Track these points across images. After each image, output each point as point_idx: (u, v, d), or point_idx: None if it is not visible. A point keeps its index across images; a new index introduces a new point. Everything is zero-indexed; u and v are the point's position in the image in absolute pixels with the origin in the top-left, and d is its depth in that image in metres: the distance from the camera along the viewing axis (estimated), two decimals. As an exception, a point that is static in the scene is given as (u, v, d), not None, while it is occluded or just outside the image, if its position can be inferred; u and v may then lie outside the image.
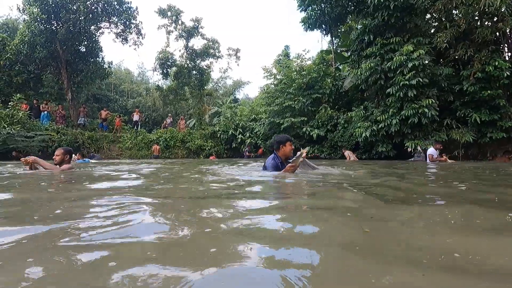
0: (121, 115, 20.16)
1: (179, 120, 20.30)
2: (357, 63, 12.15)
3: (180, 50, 21.41)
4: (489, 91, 9.24)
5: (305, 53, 21.25)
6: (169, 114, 22.59)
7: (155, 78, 49.92)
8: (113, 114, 19.67)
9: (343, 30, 16.85)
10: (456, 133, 10.33)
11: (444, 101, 10.87)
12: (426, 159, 10.56)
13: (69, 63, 16.53)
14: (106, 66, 18.25)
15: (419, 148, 10.29)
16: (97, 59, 17.73)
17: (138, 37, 17.66)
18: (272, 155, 3.88)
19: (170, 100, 23.13)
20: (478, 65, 9.66)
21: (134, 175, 4.04)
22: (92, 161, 12.52)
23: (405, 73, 9.97)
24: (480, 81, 9.80)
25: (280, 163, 3.76)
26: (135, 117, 18.31)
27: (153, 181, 3.31)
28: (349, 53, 17.45)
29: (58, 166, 4.41)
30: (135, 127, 18.18)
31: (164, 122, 20.78)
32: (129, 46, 17.69)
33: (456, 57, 10.29)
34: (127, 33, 17.13)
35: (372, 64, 10.67)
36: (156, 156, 16.28)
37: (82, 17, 15.34)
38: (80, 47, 17.43)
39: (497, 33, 9.76)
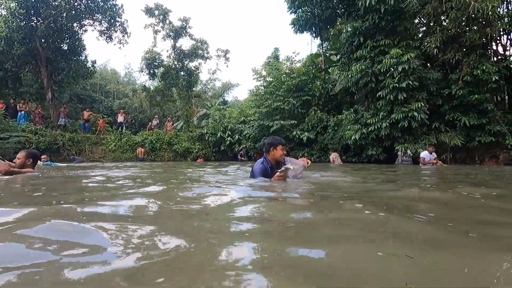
0: (104, 116, 19.46)
1: (166, 121, 19.77)
2: (347, 66, 12.05)
3: (167, 50, 20.91)
4: (477, 96, 9.26)
5: (295, 55, 21.02)
6: (156, 116, 22.02)
7: (143, 79, 48.89)
8: (96, 115, 18.96)
9: (332, 33, 16.81)
10: (445, 136, 10.32)
11: (433, 105, 10.88)
12: (413, 163, 10.54)
13: (49, 61, 15.78)
14: (89, 65, 17.55)
15: (408, 151, 10.22)
16: (80, 57, 17.04)
17: (123, 36, 17.09)
18: (261, 158, 3.58)
19: (157, 102, 22.54)
20: (466, 69, 9.69)
21: (93, 184, 3.55)
22: (73, 164, 11.92)
23: (395, 76, 9.91)
24: (468, 85, 9.84)
25: (269, 168, 3.47)
26: (120, 118, 17.68)
27: (106, 193, 2.63)
28: (338, 57, 17.48)
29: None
30: (120, 129, 17.54)
31: (150, 123, 20.20)
32: (114, 44, 17.20)
33: (444, 61, 10.29)
34: (112, 31, 16.52)
35: (362, 66, 10.57)
36: (141, 159, 15.73)
37: (64, 14, 14.68)
38: (62, 45, 16.70)
39: (484, 38, 9.82)
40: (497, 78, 9.13)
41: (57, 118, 15.77)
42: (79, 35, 16.55)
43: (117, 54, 71.47)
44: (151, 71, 21.00)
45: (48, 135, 14.47)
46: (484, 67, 9.20)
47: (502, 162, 10.06)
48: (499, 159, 10.34)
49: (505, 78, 10.03)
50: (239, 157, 15.64)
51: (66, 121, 15.91)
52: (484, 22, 9.54)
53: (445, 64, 11.01)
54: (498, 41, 10.19)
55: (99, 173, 5.10)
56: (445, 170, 6.60)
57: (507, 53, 10.85)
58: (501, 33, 9.78)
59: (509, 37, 10.20)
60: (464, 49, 9.91)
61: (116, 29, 16.43)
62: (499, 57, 10.08)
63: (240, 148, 16.06)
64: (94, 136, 16.93)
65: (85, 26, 16.42)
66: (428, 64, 11.45)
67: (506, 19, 9.46)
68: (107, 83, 39.74)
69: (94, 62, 17.74)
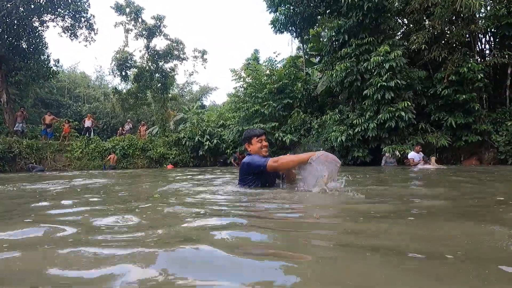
0: (70, 120, 17.81)
1: (140, 126, 18.47)
2: (331, 65, 11.59)
3: (140, 51, 19.69)
4: (464, 96, 9.03)
5: (276, 56, 20.58)
6: (128, 120, 20.60)
7: (115, 82, 46.62)
8: (60, 120, 17.30)
9: (310, 36, 16.45)
10: (432, 137, 10.05)
11: (418, 105, 10.62)
12: (397, 164, 10.15)
13: (4, 60, 14.13)
14: (52, 65, 15.99)
15: (396, 153, 9.82)
16: (41, 56, 15.47)
17: (89, 33, 15.73)
18: (246, 157, 2.79)
19: (130, 105, 21.12)
20: (451, 67, 9.49)
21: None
22: (32, 173, 10.53)
23: (382, 74, 9.51)
24: (453, 84, 9.63)
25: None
26: (87, 122, 16.20)
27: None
28: (318, 59, 17.15)
29: None
30: (87, 134, 16.06)
31: (121, 128, 18.79)
32: (79, 42, 15.68)
33: (428, 60, 10.07)
34: (77, 28, 15.14)
35: (347, 64, 10.12)
36: (113, 167, 14.33)
37: (21, 7, 13.19)
38: (20, 42, 15.09)
39: (468, 36, 9.71)
40: (482, 76, 8.97)
41: (14, 123, 14.10)
42: (40, 31, 15.03)
43: (87, 57, 68.03)
44: (123, 73, 19.66)
45: (1, 142, 12.82)
46: (470, 65, 9.01)
47: (486, 162, 9.94)
48: (482, 158, 10.23)
49: (488, 77, 9.97)
50: (232, 161, 14.59)
51: (24, 126, 14.26)
52: (468, 21, 9.41)
53: (429, 64, 10.82)
54: (481, 40, 10.11)
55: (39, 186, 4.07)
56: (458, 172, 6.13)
57: (487, 51, 10.87)
58: (484, 31, 9.66)
59: (491, 35, 10.15)
60: (449, 48, 9.73)
61: (81, 26, 15.06)
62: (483, 56, 9.98)
63: (234, 152, 15.00)
64: (57, 142, 15.35)
65: (47, 22, 14.93)
66: (412, 65, 11.25)
67: (490, 17, 9.36)
68: (76, 86, 37.45)
69: (57, 61, 16.20)
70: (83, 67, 70.01)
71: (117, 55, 18.60)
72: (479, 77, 8.95)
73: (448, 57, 9.62)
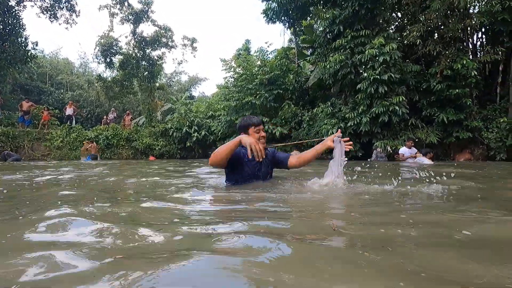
0: (49, 107, 16.94)
1: (125, 115, 17.79)
2: (324, 56, 11.30)
3: (126, 36, 18.82)
4: (457, 90, 8.94)
5: (268, 46, 20.12)
6: (113, 109, 19.80)
7: (100, 70, 44.96)
8: (38, 106, 16.41)
9: (302, 27, 16.08)
10: (422, 133, 9.99)
11: (410, 100, 10.52)
12: (387, 159, 10.08)
13: (-23, 41, 13.18)
14: (30, 48, 15.04)
15: (388, 148, 9.71)
16: (18, 39, 14.50)
17: (70, 15, 14.83)
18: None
19: (115, 94, 20.26)
20: (445, 62, 9.37)
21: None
22: (7, 162, 9.91)
23: (375, 67, 9.30)
24: (446, 79, 9.54)
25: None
26: (69, 110, 15.43)
27: None
28: (310, 51, 16.83)
29: None
30: (69, 123, 15.31)
31: (105, 117, 18.05)
32: (59, 24, 14.77)
33: (422, 55, 9.92)
34: (56, 9, 14.22)
35: (342, 56, 9.85)
36: (95, 156, 13.59)
37: (-5, -16, 12.23)
38: (-6, 23, 14.07)
39: (462, 32, 9.60)
40: (476, 73, 8.89)
41: (-12, 109, 13.25)
42: (16, 12, 14.05)
43: (70, 43, 65.31)
44: (108, 59, 18.81)
45: (-27, 128, 12.02)
46: (464, 62, 8.91)
47: (476, 159, 9.98)
48: (472, 155, 10.26)
49: (480, 74, 9.92)
50: None
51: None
52: (463, 16, 9.27)
53: (421, 58, 10.70)
54: (473, 36, 10.02)
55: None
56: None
57: (479, 48, 10.82)
58: (478, 27, 9.55)
59: (484, 31, 10.08)
60: (443, 43, 9.59)
61: (61, 6, 14.15)
62: (475, 52, 9.91)
63: None
64: (36, 130, 14.56)
65: (24, 1, 13.95)
66: (407, 60, 11.11)
67: (484, 12, 9.23)
68: (59, 73, 35.90)
69: (35, 44, 15.25)
70: (66, 53, 67.17)
71: (102, 40, 17.73)
72: (473, 74, 8.86)
73: (442, 52, 9.50)
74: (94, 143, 14.02)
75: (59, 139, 14.48)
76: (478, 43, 10.74)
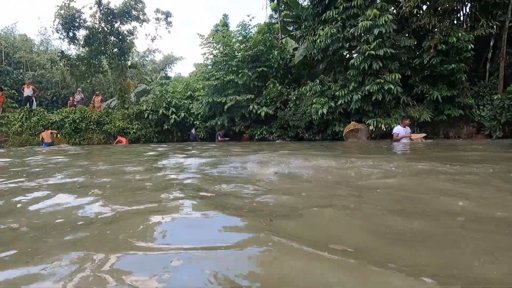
0: (3, 88, 15.03)
1: (94, 96, 16.22)
2: (313, 30, 10.50)
3: (90, 8, 16.82)
4: (453, 65, 8.54)
5: (250, 20, 18.88)
6: (79, 89, 18.05)
7: (65, 47, 41.09)
8: (-10, 87, 14.49)
9: (286, 0, 14.99)
10: (414, 111, 9.65)
11: (402, 76, 10.08)
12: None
13: None
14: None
15: (382, 126, 9.28)
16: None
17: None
18: None
19: (82, 72, 18.32)
20: (439, 36, 8.91)
21: None
22: None
23: (370, 41, 8.66)
24: (440, 54, 9.11)
25: None
26: (27, 91, 13.68)
27: None
28: (292, 28, 15.87)
29: None
30: (28, 105, 13.64)
31: (71, 98, 16.39)
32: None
33: (417, 27, 9.38)
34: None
35: (333, 30, 9.09)
36: (50, 143, 11.69)
37: None
38: None
39: (456, 4, 9.12)
40: (472, 46, 8.50)
41: None
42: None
43: (28, 17, 59.04)
44: (70, 33, 16.82)
45: None
46: (460, 35, 8.48)
47: (466, 137, 9.85)
48: (461, 132, 10.13)
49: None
50: (218, 138, 13.00)
51: None
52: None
53: (413, 32, 10.19)
54: (467, 8, 9.58)
55: None
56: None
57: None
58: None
59: (476, 4, 9.64)
60: (438, 15, 9.08)
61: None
62: (469, 26, 9.51)
63: (219, 129, 13.29)
64: (-11, 114, 12.86)
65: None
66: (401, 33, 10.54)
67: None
68: (16, 51, 32.42)
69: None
70: (24, 29, 60.88)
71: (61, 11, 15.71)
72: (469, 47, 8.47)
73: (437, 25, 9.00)
74: (47, 131, 12.05)
75: (17, 123, 12.89)
76: (467, 16, 10.33)
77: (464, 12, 9.43)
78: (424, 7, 9.46)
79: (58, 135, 12.76)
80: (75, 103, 15.70)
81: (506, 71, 9.58)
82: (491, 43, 9.83)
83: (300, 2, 14.71)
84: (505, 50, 9.45)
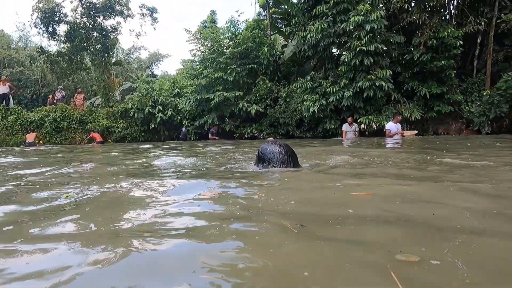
0: (-23, 85, 14.18)
1: (76, 94, 15.56)
2: (303, 26, 10.32)
3: (71, 1, 16.10)
4: (443, 62, 8.55)
5: (239, 15, 18.50)
6: (60, 87, 17.29)
7: (45, 43, 39.51)
8: (-37, 84, 13.63)
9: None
10: (405, 109, 9.63)
11: (392, 73, 10.06)
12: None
13: None
14: None
15: (372, 124, 9.22)
16: None
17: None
18: None
19: (63, 70, 17.52)
20: (429, 32, 8.91)
21: None
22: None
23: (361, 37, 8.56)
24: (429, 51, 9.12)
25: None
26: (2, 88, 12.94)
27: None
28: (281, 25, 15.67)
29: None
30: (4, 103, 12.91)
31: (51, 96, 15.68)
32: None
33: (407, 23, 9.36)
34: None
35: (323, 25, 8.94)
36: (30, 144, 11.31)
37: None
38: None
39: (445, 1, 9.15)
40: (461, 42, 8.54)
41: None
42: None
43: (5, 13, 56.49)
44: (50, 28, 16.05)
45: None
46: (449, 31, 8.49)
47: (454, 132, 9.93)
48: (450, 129, 10.20)
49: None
50: (210, 136, 12.56)
51: None
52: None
53: (402, 29, 10.18)
54: (455, 4, 9.63)
55: None
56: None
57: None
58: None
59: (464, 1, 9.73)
60: (427, 12, 9.08)
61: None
62: (457, 22, 9.57)
63: (212, 126, 12.81)
64: (-39, 113, 12.09)
65: None
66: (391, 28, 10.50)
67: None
68: (-8, 47, 30.96)
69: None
70: (1, 24, 58.36)
71: (40, 5, 14.96)
72: (458, 43, 8.50)
73: (427, 21, 9.00)
74: (32, 133, 11.82)
75: (-7, 123, 12.18)
76: (456, 13, 10.41)
77: (452, 8, 9.46)
78: (413, 3, 9.44)
79: (41, 141, 12.34)
80: (55, 101, 15.01)
81: (492, 68, 9.70)
82: (478, 40, 9.93)
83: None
84: (492, 47, 9.56)
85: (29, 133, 11.97)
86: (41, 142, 12.44)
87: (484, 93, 8.45)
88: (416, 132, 8.34)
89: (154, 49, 43.36)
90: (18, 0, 52.75)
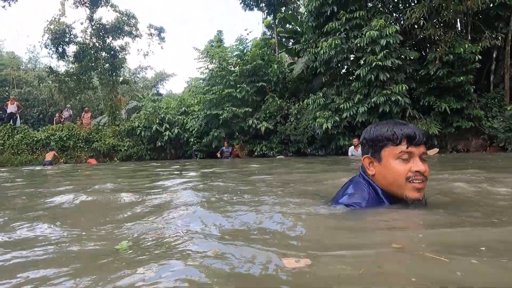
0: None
1: (83, 113, 15.47)
2: (314, 43, 10.23)
3: (82, 23, 16.39)
4: (461, 78, 8.30)
5: (247, 34, 18.67)
6: (67, 106, 17.26)
7: (54, 64, 40.33)
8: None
9: (283, 14, 14.94)
10: (422, 124, 9.30)
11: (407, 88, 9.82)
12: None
13: None
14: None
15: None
16: None
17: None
18: (356, 176, 1.29)
19: (71, 89, 17.56)
20: (444, 47, 8.72)
21: None
22: None
23: (376, 52, 8.38)
24: (445, 66, 8.90)
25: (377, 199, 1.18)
26: (11, 107, 12.87)
27: None
28: (288, 44, 15.72)
29: None
30: (11, 122, 12.79)
31: (57, 115, 15.58)
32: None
33: (422, 38, 9.20)
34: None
35: (337, 41, 8.80)
36: (49, 163, 11.14)
37: None
38: None
39: (463, 15, 9.03)
40: (479, 57, 8.32)
41: None
42: None
43: (17, 34, 58.37)
44: (60, 49, 16.23)
45: None
46: (466, 46, 8.30)
47: (475, 149, 9.52)
48: (469, 145, 9.80)
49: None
50: (219, 154, 12.00)
51: None
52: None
53: (418, 44, 10.04)
54: (473, 21, 9.50)
55: None
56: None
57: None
58: (479, 8, 8.99)
59: (481, 15, 9.61)
60: (443, 27, 8.95)
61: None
62: (473, 37, 9.40)
63: (223, 142, 12.40)
64: (-33, 132, 11.94)
65: None
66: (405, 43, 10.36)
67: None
68: (3, 68, 31.58)
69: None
70: (12, 46, 60.10)
71: (51, 26, 15.20)
72: (476, 58, 8.29)
73: (442, 36, 8.84)
74: (51, 151, 11.69)
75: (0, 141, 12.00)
76: (471, 28, 10.29)
77: (467, 24, 9.33)
78: (427, 19, 9.32)
79: (61, 160, 12.16)
80: (62, 120, 14.89)
81: (511, 82, 9.44)
82: (494, 55, 9.74)
83: (298, 16, 14.68)
84: (509, 62, 9.35)
85: (47, 152, 11.81)
86: (61, 160, 12.24)
87: (508, 108, 8.13)
88: (437, 150, 7.95)
89: (160, 69, 44.09)
90: (31, 24, 54.56)
